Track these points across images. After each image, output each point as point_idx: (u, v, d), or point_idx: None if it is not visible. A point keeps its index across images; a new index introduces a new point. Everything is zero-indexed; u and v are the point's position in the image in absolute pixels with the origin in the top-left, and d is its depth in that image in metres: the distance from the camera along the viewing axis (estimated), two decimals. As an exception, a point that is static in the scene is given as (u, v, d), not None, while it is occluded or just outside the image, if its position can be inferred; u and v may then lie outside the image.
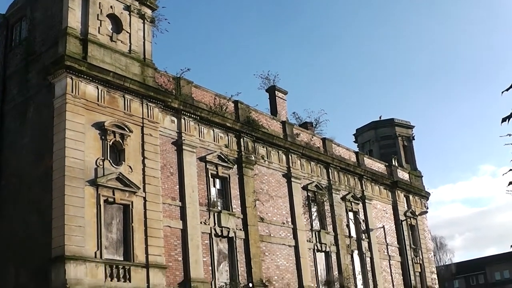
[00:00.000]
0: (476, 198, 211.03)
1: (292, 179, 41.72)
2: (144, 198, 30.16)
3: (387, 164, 56.16)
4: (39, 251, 27.71)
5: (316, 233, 42.80)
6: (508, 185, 20.40)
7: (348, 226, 46.94)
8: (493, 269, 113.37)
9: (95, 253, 27.18)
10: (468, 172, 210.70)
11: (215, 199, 35.38)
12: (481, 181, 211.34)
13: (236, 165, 37.24)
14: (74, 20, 29.85)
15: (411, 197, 57.63)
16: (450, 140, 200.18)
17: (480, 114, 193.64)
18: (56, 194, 27.24)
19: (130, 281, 28.15)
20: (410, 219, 55.58)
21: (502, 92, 18.77)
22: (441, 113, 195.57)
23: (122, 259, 28.62)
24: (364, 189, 50.17)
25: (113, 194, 28.82)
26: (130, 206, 29.45)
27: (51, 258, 26.61)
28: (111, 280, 27.38)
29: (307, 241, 41.46)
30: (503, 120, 18.33)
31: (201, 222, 33.53)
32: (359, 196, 49.27)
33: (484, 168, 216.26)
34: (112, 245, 28.46)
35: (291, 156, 42.25)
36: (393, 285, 50.66)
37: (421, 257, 56.26)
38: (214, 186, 35.95)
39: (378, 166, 54.35)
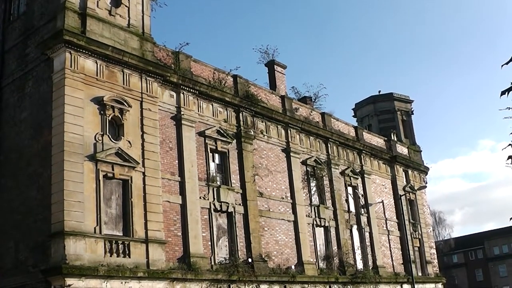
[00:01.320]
0: (476, 173, 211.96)
1: (291, 154, 41.68)
2: (143, 173, 30.11)
3: (386, 138, 56.10)
4: (38, 227, 27.76)
5: (315, 208, 42.85)
6: (508, 159, 20.33)
7: (347, 201, 47.00)
8: (491, 244, 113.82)
9: (95, 228, 27.18)
10: (468, 147, 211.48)
11: (214, 174, 35.34)
12: (480, 156, 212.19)
13: (235, 140, 37.16)
14: (72, -7, 29.60)
15: (410, 171, 57.63)
16: (449, 115, 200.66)
17: (479, 89, 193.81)
18: (55, 169, 27.18)
19: (129, 257, 28.20)
20: (409, 194, 55.67)
21: (502, 66, 18.64)
22: (440, 87, 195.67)
23: (122, 234, 28.64)
24: (363, 163, 50.16)
25: (112, 169, 28.77)
26: (129, 181, 29.42)
27: (50, 233, 26.63)
28: (110, 256, 27.42)
29: (306, 216, 41.51)
30: (503, 93, 18.22)
31: (200, 197, 33.52)
32: (358, 170, 49.26)
33: (484, 143, 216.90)
34: (111, 220, 28.47)
35: (290, 130, 42.16)
36: (392, 260, 50.86)
37: (420, 232, 56.41)
38: (213, 161, 35.89)
39: (377, 140, 54.30)
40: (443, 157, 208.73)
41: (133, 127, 30.44)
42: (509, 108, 19.21)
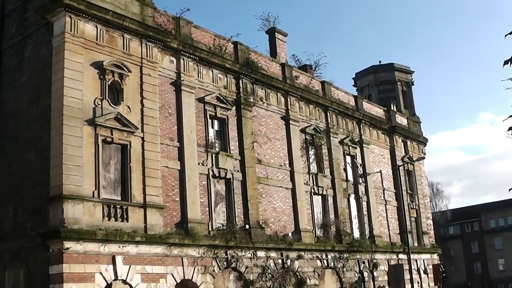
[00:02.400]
0: (475, 146, 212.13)
1: (291, 122, 41.66)
2: (142, 138, 30.14)
3: (385, 109, 56.04)
4: (37, 190, 27.88)
5: (313, 176, 42.96)
6: (508, 130, 20.40)
7: (345, 170, 47.10)
8: (488, 217, 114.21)
9: (93, 192, 27.29)
10: (467, 119, 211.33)
11: (213, 140, 35.35)
12: (480, 128, 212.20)
13: (234, 107, 37.14)
14: (72, -43, 29.32)
15: (408, 142, 57.67)
16: (450, 87, 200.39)
17: (481, 61, 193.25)
18: (54, 133, 27.22)
19: (127, 221, 28.37)
20: (407, 165, 55.76)
21: (506, 35, 18.64)
22: (441, 59, 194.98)
23: (120, 199, 28.78)
24: (362, 133, 50.18)
25: (111, 134, 28.78)
26: (128, 146, 29.47)
27: (49, 197, 26.76)
28: (108, 220, 27.58)
29: (304, 184, 41.64)
30: (505, 62, 18.25)
31: (198, 163, 33.59)
32: (357, 140, 49.31)
33: (484, 116, 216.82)
34: (109, 185, 28.57)
35: (289, 98, 42.10)
36: (388, 230, 51.13)
37: (417, 202, 56.63)
38: (212, 127, 35.88)
39: (376, 110, 54.25)
40: (443, 129, 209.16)
41: (132, 92, 30.40)
42: (511, 79, 19.26)
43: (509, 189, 22.21)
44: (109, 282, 26.98)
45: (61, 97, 27.21)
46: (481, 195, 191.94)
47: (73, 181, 26.50)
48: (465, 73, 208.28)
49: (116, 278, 27.32)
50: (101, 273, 26.63)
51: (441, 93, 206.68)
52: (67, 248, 25.45)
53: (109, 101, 29.11)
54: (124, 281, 27.68)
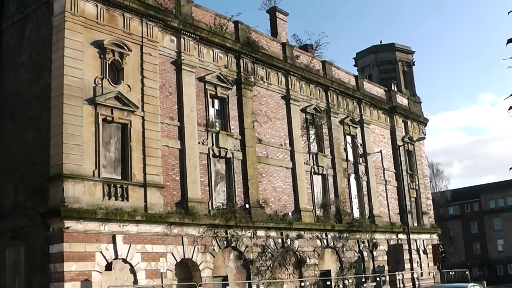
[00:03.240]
0: (475, 127, 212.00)
1: (291, 101, 41.60)
2: (143, 117, 30.12)
3: (386, 89, 55.93)
4: (38, 169, 27.91)
5: (314, 155, 42.97)
6: (509, 109, 20.37)
7: (345, 149, 47.11)
8: (488, 197, 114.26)
9: (93, 172, 27.31)
10: (468, 100, 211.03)
11: (213, 120, 35.32)
12: (480, 109, 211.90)
13: (235, 86, 37.07)
14: None
15: (409, 122, 57.63)
16: (451, 67, 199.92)
17: (482, 42, 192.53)
18: (55, 112, 27.18)
19: (127, 200, 28.42)
20: (408, 145, 55.77)
21: (509, 13, 18.56)
22: (442, 39, 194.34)
23: (120, 178, 28.80)
24: (362, 113, 50.11)
25: (112, 113, 28.74)
26: (129, 125, 29.44)
27: (49, 176, 26.79)
28: (109, 199, 27.62)
29: (304, 163, 41.66)
30: (509, 41, 18.19)
31: (199, 142, 33.58)
32: (357, 120, 49.26)
33: (484, 96, 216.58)
34: (110, 164, 28.58)
35: (290, 78, 42.01)
36: (388, 210, 51.23)
37: (417, 182, 56.70)
38: (213, 106, 35.84)
39: (377, 90, 54.14)
40: (443, 109, 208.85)
41: (133, 72, 30.33)
42: (512, 58, 19.20)
43: (510, 168, 22.18)
44: (109, 261, 27.07)
45: (61, 76, 27.16)
46: (481, 175, 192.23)
47: (73, 160, 26.50)
48: (466, 53, 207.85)
49: (116, 257, 27.41)
50: (101, 252, 26.72)
51: (442, 73, 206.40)
52: (68, 227, 25.51)
53: (110, 80, 29.06)
54: (125, 260, 27.79)
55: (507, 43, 18.19)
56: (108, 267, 27.11)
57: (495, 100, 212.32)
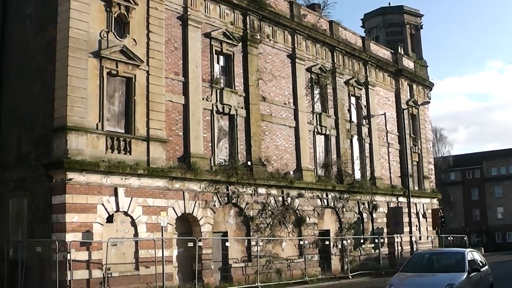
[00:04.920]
0: (482, 94, 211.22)
1: (297, 60, 41.43)
2: (147, 71, 30.05)
3: (392, 51, 55.61)
4: (42, 121, 27.98)
5: (317, 115, 42.96)
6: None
7: (349, 110, 47.05)
8: (490, 165, 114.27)
9: (97, 124, 27.35)
10: (476, 66, 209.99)
11: (218, 76, 35.25)
12: (487, 76, 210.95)
13: (240, 43, 36.89)
14: None
15: (414, 86, 57.45)
16: (459, 33, 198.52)
17: (492, 7, 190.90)
18: (59, 65, 27.12)
19: (130, 154, 28.51)
20: (412, 108, 55.63)
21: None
22: (451, 3, 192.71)
23: (123, 131, 28.87)
24: (368, 74, 49.92)
25: (116, 67, 28.68)
26: (133, 79, 29.39)
27: (53, 128, 26.85)
28: (111, 152, 27.73)
29: (307, 123, 41.68)
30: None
31: (203, 98, 33.56)
32: (362, 81, 49.08)
33: (492, 63, 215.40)
34: (113, 117, 28.62)
35: (296, 37, 41.78)
36: (389, 172, 51.33)
37: (419, 146, 56.72)
38: (218, 63, 35.73)
39: (383, 52, 53.86)
40: (450, 74, 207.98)
41: (138, 26, 30.17)
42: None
43: None
44: (110, 214, 27.30)
45: (67, 28, 27.01)
46: (486, 142, 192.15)
47: (77, 112, 26.53)
48: (475, 19, 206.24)
49: (117, 210, 27.62)
50: (103, 204, 26.92)
51: (450, 39, 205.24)
52: (70, 179, 25.66)
53: (115, 33, 28.92)
54: (126, 213, 28.01)
55: None
56: (109, 219, 27.34)
57: (503, 68, 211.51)
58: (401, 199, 50.97)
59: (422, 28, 64.90)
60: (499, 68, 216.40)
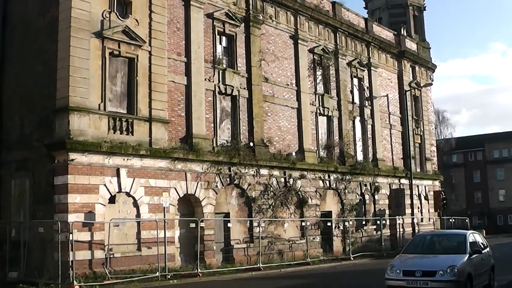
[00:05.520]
0: (485, 76, 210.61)
1: (299, 41, 41.28)
2: (150, 52, 29.99)
3: (395, 33, 55.38)
4: (44, 102, 27.93)
5: (320, 96, 42.87)
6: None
7: (352, 92, 46.94)
8: (492, 147, 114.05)
9: (99, 105, 27.34)
10: (479, 49, 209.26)
11: (220, 57, 35.15)
12: (490, 58, 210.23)
13: (243, 24, 36.74)
14: None
15: (417, 68, 57.28)
16: (462, 15, 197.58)
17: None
18: (62, 45, 27.05)
19: (132, 134, 28.52)
20: (414, 90, 55.53)
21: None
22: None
23: (126, 112, 28.87)
24: (370, 56, 49.76)
25: (119, 47, 28.61)
26: (135, 59, 29.33)
27: (55, 108, 26.84)
28: (114, 133, 27.74)
29: (310, 104, 41.61)
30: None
31: (205, 79, 33.49)
32: (365, 63, 48.93)
33: (495, 46, 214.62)
34: (116, 98, 28.59)
35: (299, 17, 41.57)
36: (392, 154, 51.32)
37: (422, 128, 56.66)
38: (220, 43, 35.63)
39: (386, 34, 53.65)
40: (453, 57, 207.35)
41: (141, 6, 30.07)
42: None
43: None
44: (113, 194, 27.35)
45: (69, 8, 26.91)
46: (488, 125, 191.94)
47: (79, 93, 26.51)
48: (479, 1, 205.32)
49: (120, 191, 27.68)
50: (105, 185, 26.96)
51: (453, 20, 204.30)
52: (72, 160, 25.69)
53: (117, 14, 28.83)
54: (128, 194, 28.07)
55: None
56: (112, 200, 27.42)
57: (505, 51, 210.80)
58: (403, 181, 50.99)
59: (425, 9, 64.65)
60: (502, 50, 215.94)
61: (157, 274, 26.67)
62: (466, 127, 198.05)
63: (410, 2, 62.75)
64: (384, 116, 50.88)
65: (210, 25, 34.52)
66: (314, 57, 42.84)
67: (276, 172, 37.23)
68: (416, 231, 49.40)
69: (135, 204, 28.40)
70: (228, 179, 33.87)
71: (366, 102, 48.42)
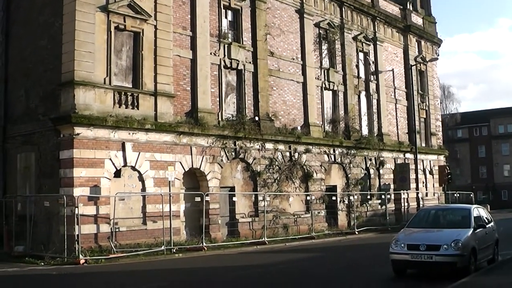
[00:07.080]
0: (491, 51, 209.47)
1: (305, 15, 41.07)
2: (155, 26, 29.92)
3: (401, 7, 55.02)
4: (49, 76, 28.01)
5: (325, 71, 42.76)
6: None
7: (357, 66, 46.82)
8: (497, 122, 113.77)
9: (104, 79, 27.35)
10: (485, 23, 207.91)
11: (226, 31, 35.03)
12: (497, 33, 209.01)
13: (249, -3, 36.64)
14: None
15: (423, 42, 56.98)
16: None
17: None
18: (67, 19, 27.00)
19: (138, 109, 28.56)
20: (420, 65, 55.30)
21: None
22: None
23: (131, 86, 28.87)
24: (376, 30, 49.52)
25: (124, 21, 28.55)
26: (141, 33, 29.28)
27: (60, 83, 26.87)
28: (119, 107, 27.77)
29: (315, 78, 41.52)
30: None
31: (210, 53, 33.41)
32: (370, 37, 48.71)
33: (502, 21, 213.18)
34: (121, 72, 28.57)
35: (305, -9, 41.42)
36: (397, 129, 51.26)
37: (427, 103, 56.51)
38: (226, 17, 35.47)
39: (392, 8, 53.35)
40: (460, 31, 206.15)
41: (146, -21, 29.96)
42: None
43: None
44: (118, 168, 27.46)
45: (74, -19, 26.83)
46: (494, 100, 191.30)
47: (84, 67, 26.50)
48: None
49: (125, 165, 27.78)
50: (110, 159, 27.07)
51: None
52: (78, 134, 25.77)
53: (123, -13, 28.73)
54: (133, 168, 28.16)
55: None
56: (117, 174, 27.55)
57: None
58: (408, 155, 51.00)
59: (431, -17, 64.16)
60: (509, 26, 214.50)
61: (163, 248, 26.83)
62: (471, 102, 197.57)
63: (416, -24, 62.29)
64: (389, 91, 50.75)
65: (216, -1, 34.43)
66: (320, 31, 42.65)
67: (281, 146, 37.27)
68: (421, 205, 49.59)
69: (141, 178, 28.51)
70: (233, 153, 33.93)
71: (372, 76, 48.30)
